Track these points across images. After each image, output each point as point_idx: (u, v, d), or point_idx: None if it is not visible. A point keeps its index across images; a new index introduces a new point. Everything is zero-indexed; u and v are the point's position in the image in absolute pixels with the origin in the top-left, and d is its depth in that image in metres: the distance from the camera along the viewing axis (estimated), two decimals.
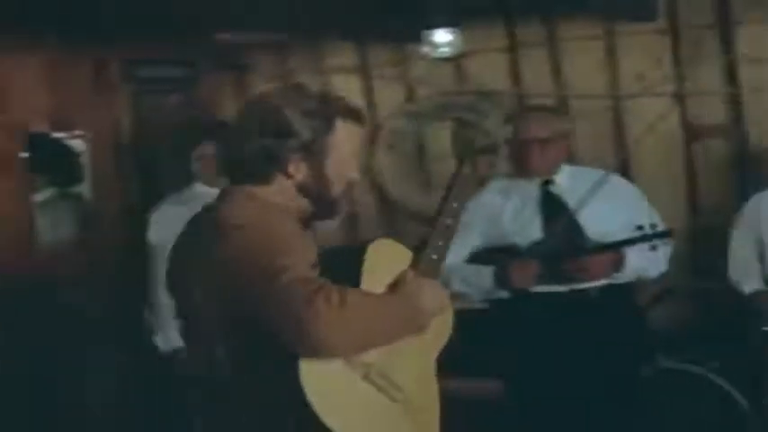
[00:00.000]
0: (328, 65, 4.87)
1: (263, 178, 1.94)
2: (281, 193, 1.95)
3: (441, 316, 2.04)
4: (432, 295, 1.98)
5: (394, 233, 4.68)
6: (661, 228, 3.14)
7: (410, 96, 4.82)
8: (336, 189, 1.99)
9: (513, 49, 4.63)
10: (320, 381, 1.79)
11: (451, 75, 4.74)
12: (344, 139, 1.97)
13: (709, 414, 3.58)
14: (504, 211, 3.30)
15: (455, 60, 4.64)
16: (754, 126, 4.32)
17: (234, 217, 1.87)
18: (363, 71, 4.83)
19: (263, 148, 1.91)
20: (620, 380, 3.17)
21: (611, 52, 4.48)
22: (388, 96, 4.84)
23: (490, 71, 4.65)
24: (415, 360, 2.01)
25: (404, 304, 1.93)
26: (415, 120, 4.75)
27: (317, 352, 1.75)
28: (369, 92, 4.84)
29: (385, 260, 2.01)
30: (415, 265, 2.02)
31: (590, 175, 3.31)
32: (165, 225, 3.30)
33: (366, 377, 1.89)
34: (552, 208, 3.24)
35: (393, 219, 4.83)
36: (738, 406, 3.55)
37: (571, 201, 3.21)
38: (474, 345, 2.93)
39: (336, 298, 1.72)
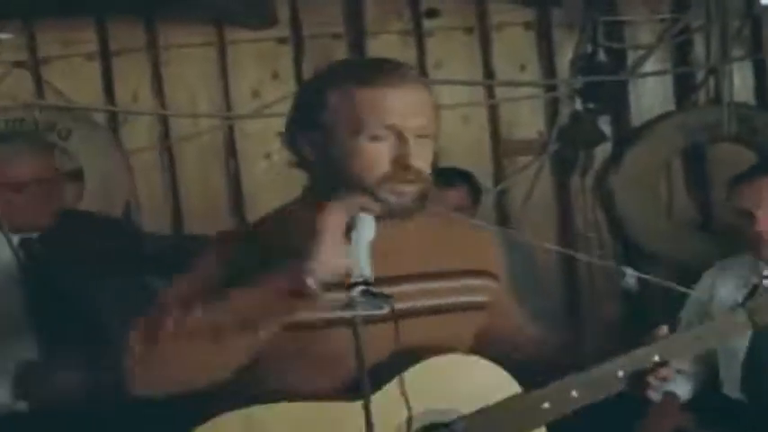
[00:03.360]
0: None
1: (301, 164, 1.81)
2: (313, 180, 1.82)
3: None
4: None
5: None
6: None
7: None
8: (361, 172, 1.72)
9: (105, 55, 3.87)
10: None
11: (32, 85, 3.89)
12: (356, 106, 1.72)
13: None
14: None
15: (33, 67, 3.84)
16: None
17: None
18: None
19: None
20: None
21: (221, 64, 3.83)
22: None
23: (74, 81, 3.85)
24: None
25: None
26: None
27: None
28: None
29: None
30: None
31: None
32: None
33: None
34: None
35: None
36: None
37: None
38: None
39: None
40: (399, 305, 1.70)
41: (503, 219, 3.87)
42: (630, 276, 2.44)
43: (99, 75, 3.88)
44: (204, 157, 3.90)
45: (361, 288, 1.48)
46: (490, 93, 3.87)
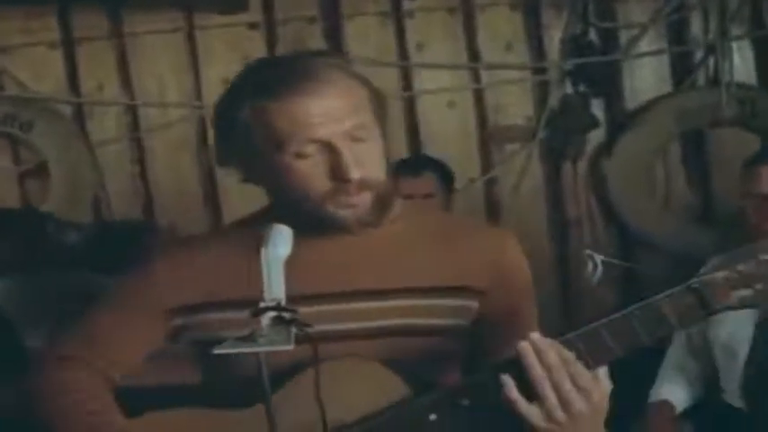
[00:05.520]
0: None
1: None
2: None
3: None
4: None
5: None
6: None
7: None
8: (300, 190, 1.58)
9: (68, 43, 3.75)
10: None
11: None
12: (270, 123, 1.56)
13: None
14: None
15: None
16: None
17: None
18: None
19: None
20: None
21: (190, 51, 3.70)
22: None
23: (36, 71, 3.74)
24: None
25: None
26: None
27: None
28: None
29: None
30: None
31: None
32: None
33: None
34: None
35: None
36: None
37: None
38: None
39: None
40: (332, 325, 1.59)
41: (491, 208, 3.76)
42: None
43: (62, 64, 3.76)
44: (175, 147, 3.78)
45: (270, 314, 1.32)
46: (475, 77, 3.73)
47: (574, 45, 3.65)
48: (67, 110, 3.76)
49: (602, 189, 3.70)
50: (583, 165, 3.73)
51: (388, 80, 3.69)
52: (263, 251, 1.38)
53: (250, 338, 1.30)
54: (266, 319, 1.31)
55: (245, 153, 1.61)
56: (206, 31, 3.72)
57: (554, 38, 3.69)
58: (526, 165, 3.73)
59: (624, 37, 3.70)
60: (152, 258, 1.71)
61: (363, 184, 1.57)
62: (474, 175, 3.71)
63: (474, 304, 1.70)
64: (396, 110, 3.71)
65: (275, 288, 1.34)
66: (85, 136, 3.73)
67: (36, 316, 2.60)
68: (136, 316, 1.68)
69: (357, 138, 1.57)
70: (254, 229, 1.58)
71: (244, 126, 1.58)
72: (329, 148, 1.56)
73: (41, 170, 3.75)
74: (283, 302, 1.34)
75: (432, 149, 3.66)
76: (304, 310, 1.53)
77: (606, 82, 3.67)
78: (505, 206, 3.73)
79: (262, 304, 1.33)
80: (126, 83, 3.75)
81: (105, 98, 3.74)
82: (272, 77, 1.57)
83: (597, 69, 3.63)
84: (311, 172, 1.56)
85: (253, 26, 3.72)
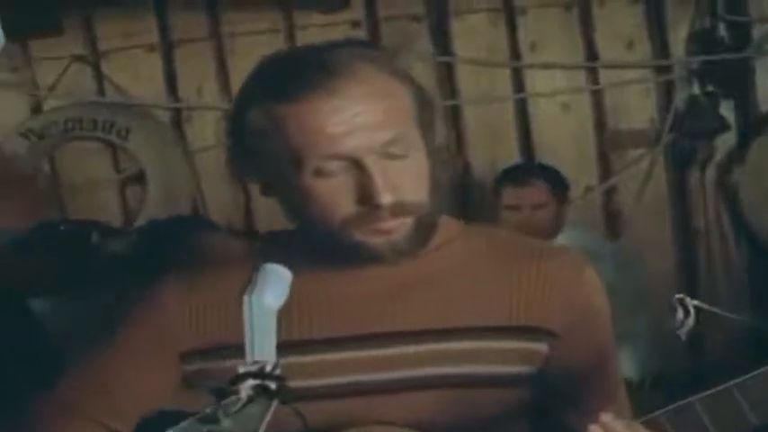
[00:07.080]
0: None
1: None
2: None
3: None
4: None
5: None
6: None
7: (38, 108, 3.81)
8: (321, 214, 1.30)
9: (166, 46, 3.73)
10: None
11: (92, 80, 3.77)
12: (282, 130, 1.27)
13: None
14: None
15: (93, 61, 3.74)
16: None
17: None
18: None
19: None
20: None
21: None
22: (10, 109, 3.79)
23: (134, 75, 3.72)
24: None
25: None
26: (38, 141, 3.70)
27: None
28: None
29: None
30: None
31: None
32: None
33: None
34: None
35: None
36: None
37: None
38: None
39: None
40: (363, 375, 1.35)
41: (611, 219, 3.60)
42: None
43: (160, 68, 3.73)
44: None
45: (250, 383, 1.08)
46: (594, 77, 3.59)
47: (701, 41, 3.48)
48: (165, 115, 3.73)
49: (733, 198, 3.52)
50: (711, 172, 3.55)
51: (498, 82, 3.60)
52: (245, 300, 1.16)
53: (211, 418, 1.05)
54: (246, 388, 1.08)
55: (261, 165, 1.35)
56: (306, 31, 3.63)
57: (679, 34, 3.52)
58: (649, 172, 3.56)
59: (757, 32, 3.50)
60: (162, 285, 1.43)
61: (398, 210, 1.30)
62: (591, 183, 3.56)
63: (543, 348, 1.43)
64: (507, 113, 3.60)
65: (260, 348, 1.12)
66: (183, 142, 3.70)
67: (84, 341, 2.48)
68: (145, 360, 1.41)
69: (393, 155, 1.29)
70: (280, 252, 1.36)
71: (257, 133, 1.31)
72: (356, 166, 1.28)
73: (141, 177, 3.72)
74: (270, 367, 1.10)
75: (545, 156, 3.51)
76: (329, 356, 1.34)
77: (737, 81, 3.49)
78: (626, 217, 3.57)
79: (241, 369, 1.09)
80: (225, 86, 3.69)
81: (204, 102, 3.69)
82: (285, 73, 1.29)
83: (727, 68, 3.45)
84: (334, 194, 1.29)
85: (355, 24, 3.62)
